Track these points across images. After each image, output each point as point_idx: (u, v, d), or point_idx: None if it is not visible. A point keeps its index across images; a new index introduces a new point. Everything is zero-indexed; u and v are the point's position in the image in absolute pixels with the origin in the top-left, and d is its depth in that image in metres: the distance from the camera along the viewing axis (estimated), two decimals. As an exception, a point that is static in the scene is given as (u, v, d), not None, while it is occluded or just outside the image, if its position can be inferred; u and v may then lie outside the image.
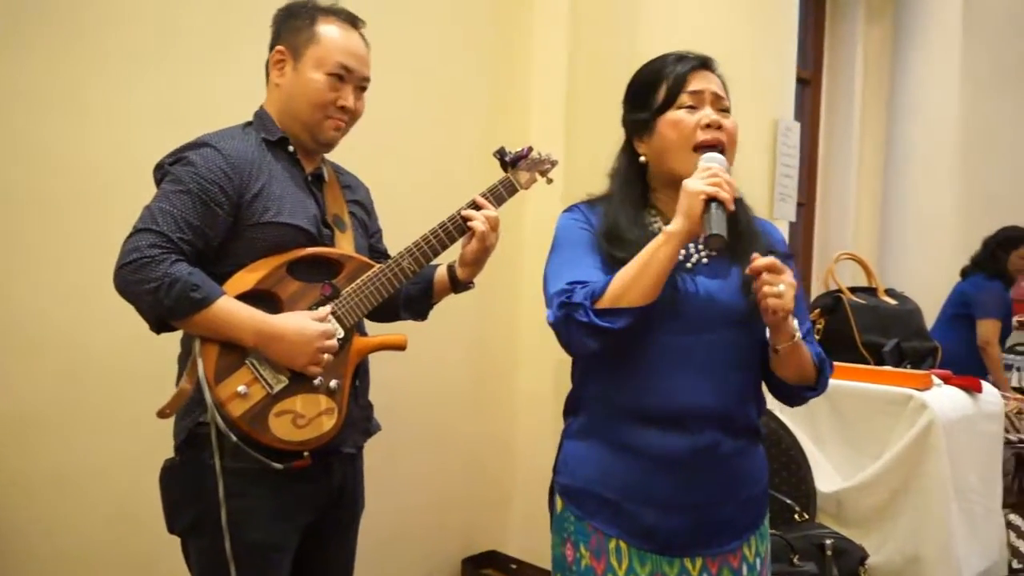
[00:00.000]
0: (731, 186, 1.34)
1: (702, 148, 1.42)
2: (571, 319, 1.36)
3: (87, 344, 2.09)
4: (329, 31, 1.66)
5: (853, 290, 2.77)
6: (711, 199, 1.32)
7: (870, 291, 2.80)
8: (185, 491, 1.59)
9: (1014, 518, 3.67)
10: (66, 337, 2.07)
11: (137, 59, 2.15)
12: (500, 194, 1.80)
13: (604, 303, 1.35)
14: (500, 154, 1.81)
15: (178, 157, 1.59)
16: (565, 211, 1.56)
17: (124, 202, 1.69)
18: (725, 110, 1.45)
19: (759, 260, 1.33)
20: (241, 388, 1.54)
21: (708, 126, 1.42)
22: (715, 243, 1.31)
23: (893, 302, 2.76)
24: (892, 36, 5.34)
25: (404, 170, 2.60)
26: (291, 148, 1.69)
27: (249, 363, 1.56)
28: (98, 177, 2.10)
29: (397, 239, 1.80)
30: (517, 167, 1.81)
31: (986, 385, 2.60)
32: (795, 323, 1.38)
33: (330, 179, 1.76)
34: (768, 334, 1.41)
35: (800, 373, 1.45)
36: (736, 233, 1.39)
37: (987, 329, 3.90)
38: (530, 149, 1.82)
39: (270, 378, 1.57)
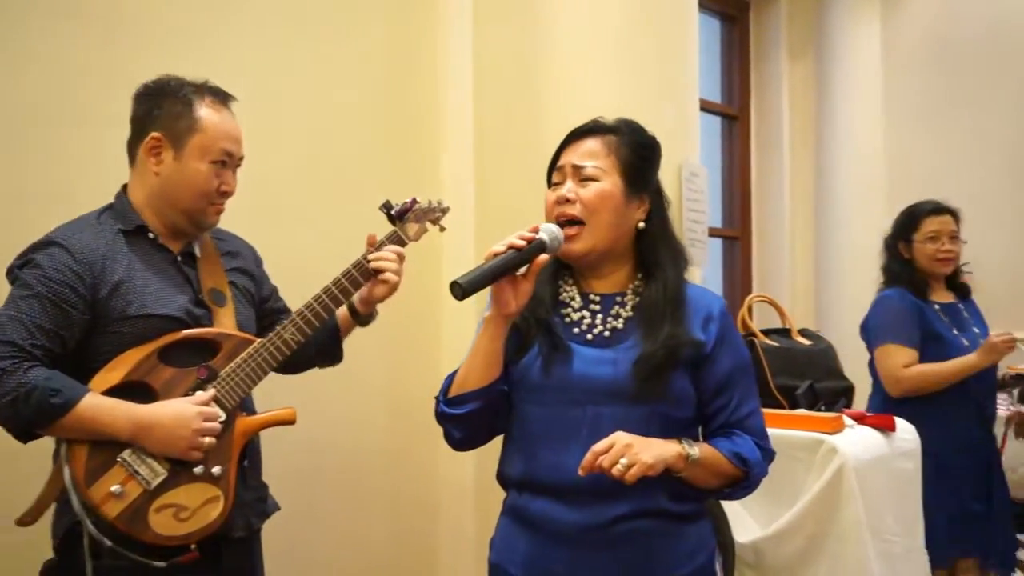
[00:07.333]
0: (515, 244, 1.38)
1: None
2: (436, 412, 1.49)
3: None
4: (210, 116, 1.62)
5: (767, 332, 2.76)
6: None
7: (784, 332, 2.79)
8: None
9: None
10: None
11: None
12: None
13: (452, 392, 1.45)
14: (386, 208, 1.80)
15: (26, 260, 1.54)
16: None
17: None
18: (588, 178, 1.46)
19: (585, 460, 1.34)
20: (115, 488, 1.49)
21: (557, 202, 1.47)
22: (452, 289, 1.32)
23: (807, 342, 2.75)
24: (815, 73, 5.46)
25: (304, 232, 2.55)
26: (151, 235, 1.64)
27: (122, 460, 1.51)
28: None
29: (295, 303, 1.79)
30: (405, 220, 1.80)
31: (900, 422, 2.59)
32: (682, 448, 1.38)
33: (205, 252, 1.72)
34: None
35: (719, 480, 1.46)
36: (649, 307, 1.44)
37: None
38: (415, 201, 1.81)
39: (146, 473, 1.52)
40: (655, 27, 2.85)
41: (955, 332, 2.87)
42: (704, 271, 3.50)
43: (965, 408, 2.82)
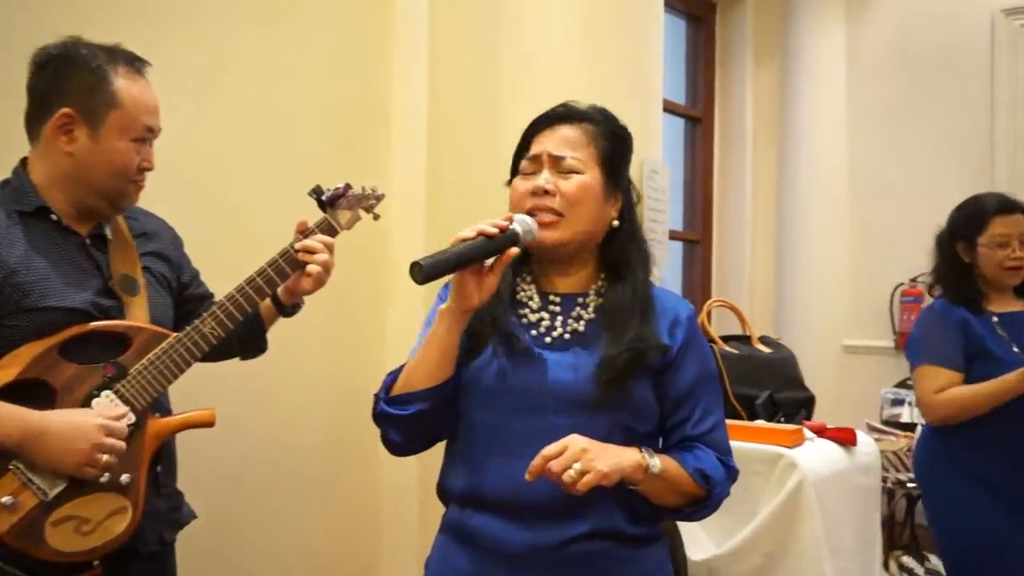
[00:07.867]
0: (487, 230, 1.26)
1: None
2: (375, 412, 1.35)
3: None
4: (128, 89, 1.45)
5: (727, 338, 2.67)
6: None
7: (744, 339, 2.70)
8: None
9: (907, 560, 3.62)
10: None
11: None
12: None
13: (396, 390, 1.33)
14: (316, 193, 1.65)
15: None
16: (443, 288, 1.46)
17: None
18: (569, 170, 1.34)
19: (533, 463, 1.21)
20: (6, 499, 1.34)
21: (533, 193, 1.34)
22: (412, 271, 1.21)
23: (767, 350, 2.66)
24: (780, 76, 5.42)
25: (248, 220, 2.39)
26: (54, 216, 1.47)
27: (15, 468, 1.36)
28: None
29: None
30: (336, 206, 1.65)
31: (861, 435, 2.51)
32: (642, 458, 1.26)
33: (116, 235, 1.55)
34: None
35: (678, 498, 1.33)
36: (615, 308, 1.34)
37: None
38: (348, 186, 1.66)
39: (43, 483, 1.37)
40: (620, 24, 2.75)
41: (1015, 349, 2.35)
42: (663, 273, 3.42)
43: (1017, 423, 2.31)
